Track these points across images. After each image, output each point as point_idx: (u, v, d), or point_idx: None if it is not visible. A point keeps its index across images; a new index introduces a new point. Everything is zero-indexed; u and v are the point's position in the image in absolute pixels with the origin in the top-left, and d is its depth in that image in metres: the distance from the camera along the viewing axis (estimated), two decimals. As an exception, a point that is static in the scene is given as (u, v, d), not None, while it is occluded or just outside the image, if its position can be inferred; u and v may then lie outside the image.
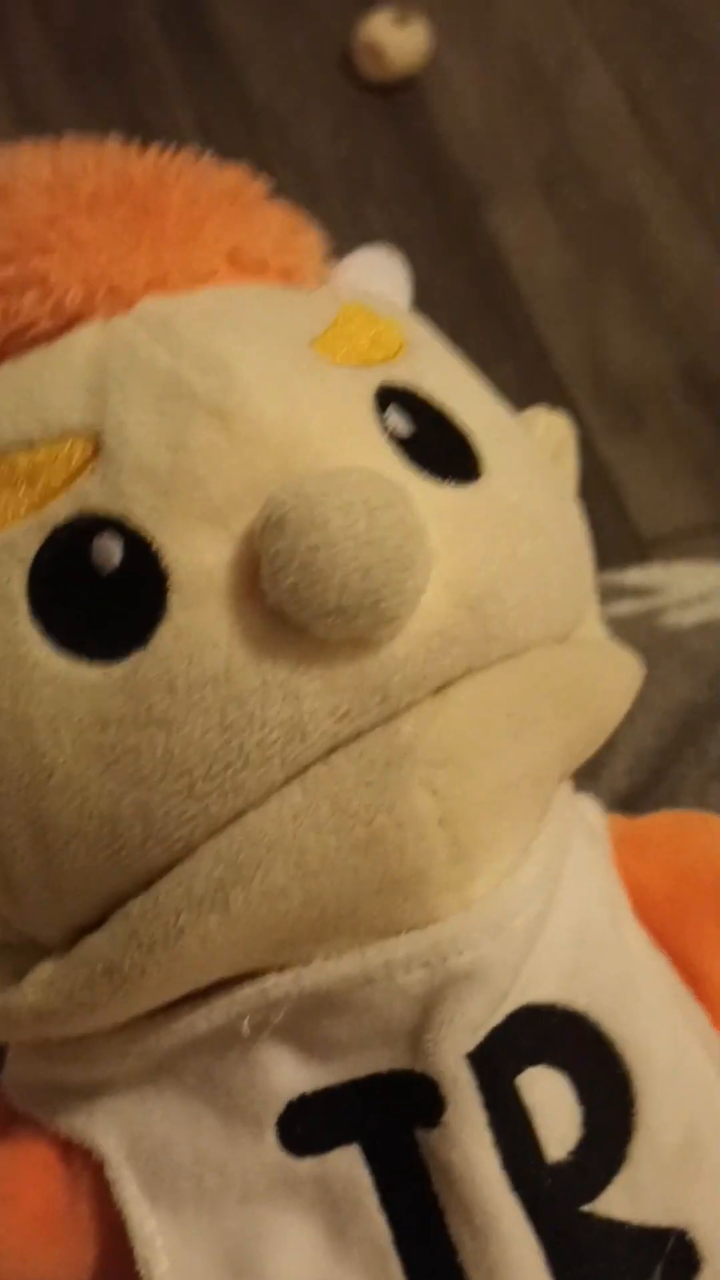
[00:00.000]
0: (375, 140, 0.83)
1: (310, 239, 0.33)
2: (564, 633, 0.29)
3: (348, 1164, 0.27)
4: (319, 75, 0.86)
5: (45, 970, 0.27)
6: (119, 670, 0.25)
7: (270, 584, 0.24)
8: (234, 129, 0.83)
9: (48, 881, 0.26)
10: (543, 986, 0.28)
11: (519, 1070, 0.27)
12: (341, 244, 0.34)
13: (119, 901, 0.26)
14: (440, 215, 0.80)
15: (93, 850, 0.26)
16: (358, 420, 0.28)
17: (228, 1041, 0.27)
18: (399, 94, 0.84)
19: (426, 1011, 0.27)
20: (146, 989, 0.26)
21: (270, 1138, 0.27)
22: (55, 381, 0.28)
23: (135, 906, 0.26)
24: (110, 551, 0.26)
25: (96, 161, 0.30)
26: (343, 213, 0.79)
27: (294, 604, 0.24)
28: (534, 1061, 0.27)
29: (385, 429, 0.28)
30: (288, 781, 0.25)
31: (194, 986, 0.27)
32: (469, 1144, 0.26)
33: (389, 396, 0.28)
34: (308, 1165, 0.27)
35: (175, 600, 0.25)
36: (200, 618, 0.25)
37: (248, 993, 0.27)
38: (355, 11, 0.85)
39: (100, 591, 0.26)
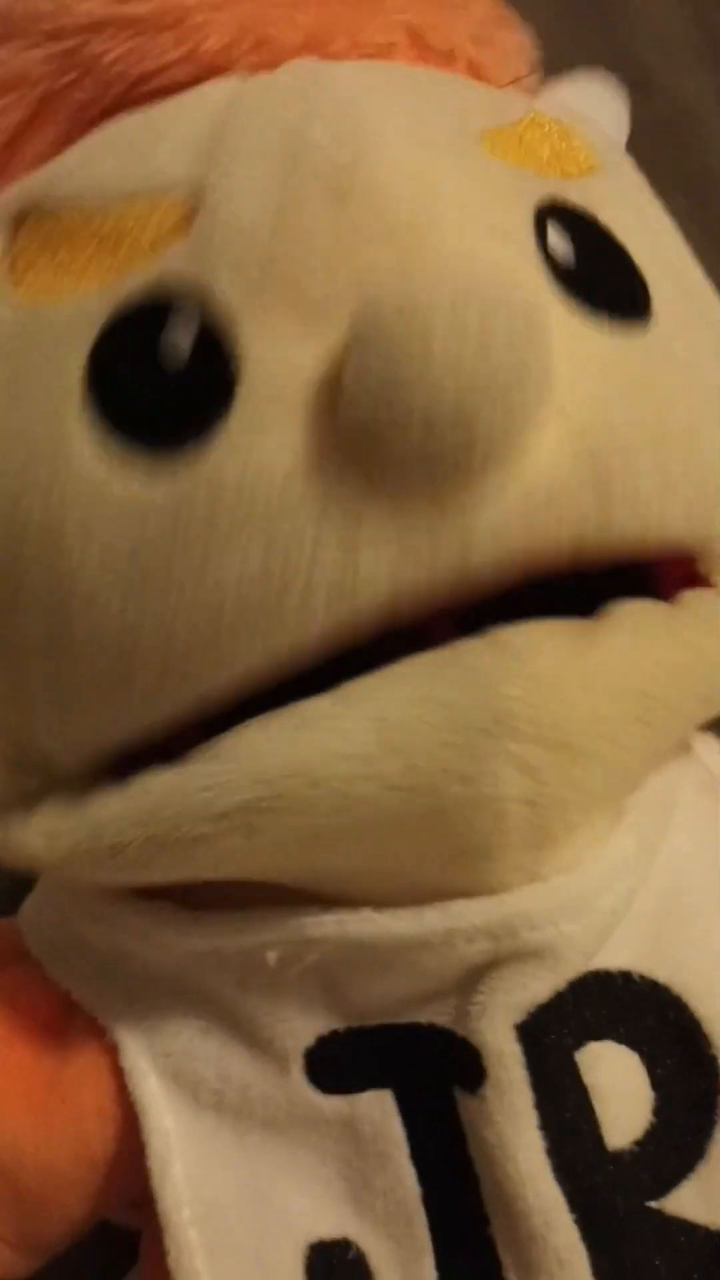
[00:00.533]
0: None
1: (515, 38, 0.27)
2: (709, 535, 0.24)
3: (380, 1111, 0.24)
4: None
5: (51, 817, 0.23)
6: (162, 488, 0.21)
7: (348, 403, 0.20)
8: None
9: (58, 697, 0.23)
10: (618, 952, 0.24)
11: (579, 1044, 0.24)
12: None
13: (141, 744, 0.23)
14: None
15: (106, 676, 0.22)
16: (507, 224, 0.23)
17: (253, 969, 0.24)
18: None
19: (479, 975, 0.23)
20: (155, 874, 0.23)
21: (296, 1071, 0.24)
22: (170, 132, 0.23)
23: (154, 788, 0.22)
24: (182, 338, 0.22)
25: None
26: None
27: (370, 429, 0.20)
28: (599, 1036, 0.24)
29: (541, 246, 0.23)
30: (328, 639, 0.21)
31: (214, 878, 0.24)
32: (505, 1124, 0.23)
33: (555, 214, 0.23)
34: (335, 1105, 0.24)
35: (241, 409, 0.21)
36: (264, 436, 0.21)
37: (283, 924, 0.23)
38: None
39: (163, 388, 0.22)
